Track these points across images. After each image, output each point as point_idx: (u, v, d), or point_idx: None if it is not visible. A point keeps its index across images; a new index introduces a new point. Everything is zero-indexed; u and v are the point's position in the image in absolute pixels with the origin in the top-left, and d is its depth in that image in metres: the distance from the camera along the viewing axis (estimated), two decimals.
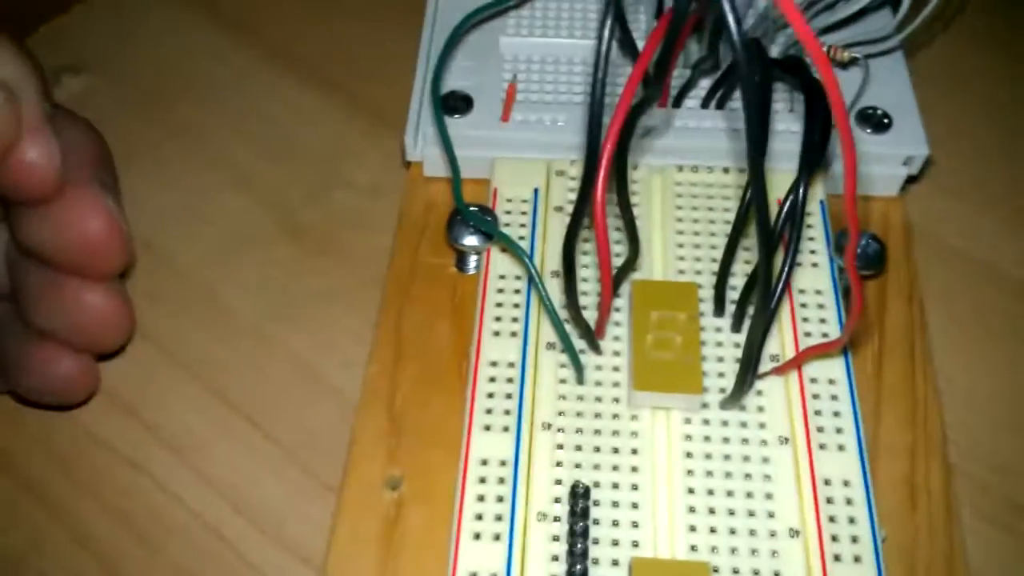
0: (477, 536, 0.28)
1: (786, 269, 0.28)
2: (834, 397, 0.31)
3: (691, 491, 0.29)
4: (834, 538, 0.29)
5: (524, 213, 0.35)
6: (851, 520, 0.29)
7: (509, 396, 0.31)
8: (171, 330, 0.36)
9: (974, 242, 0.38)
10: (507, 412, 0.31)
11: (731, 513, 0.29)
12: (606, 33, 0.24)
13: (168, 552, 0.32)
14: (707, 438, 0.30)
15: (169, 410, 0.34)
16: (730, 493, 0.29)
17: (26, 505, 0.33)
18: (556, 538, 0.28)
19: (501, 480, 0.29)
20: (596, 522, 0.29)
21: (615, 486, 0.29)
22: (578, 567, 0.28)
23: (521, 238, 0.34)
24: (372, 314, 0.35)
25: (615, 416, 0.31)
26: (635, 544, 0.28)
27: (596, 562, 0.28)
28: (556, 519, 0.29)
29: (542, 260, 0.34)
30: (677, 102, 0.37)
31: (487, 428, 0.30)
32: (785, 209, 0.28)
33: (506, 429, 0.30)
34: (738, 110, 0.37)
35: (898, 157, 0.36)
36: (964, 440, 0.33)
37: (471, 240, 0.34)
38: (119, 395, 0.35)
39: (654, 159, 0.36)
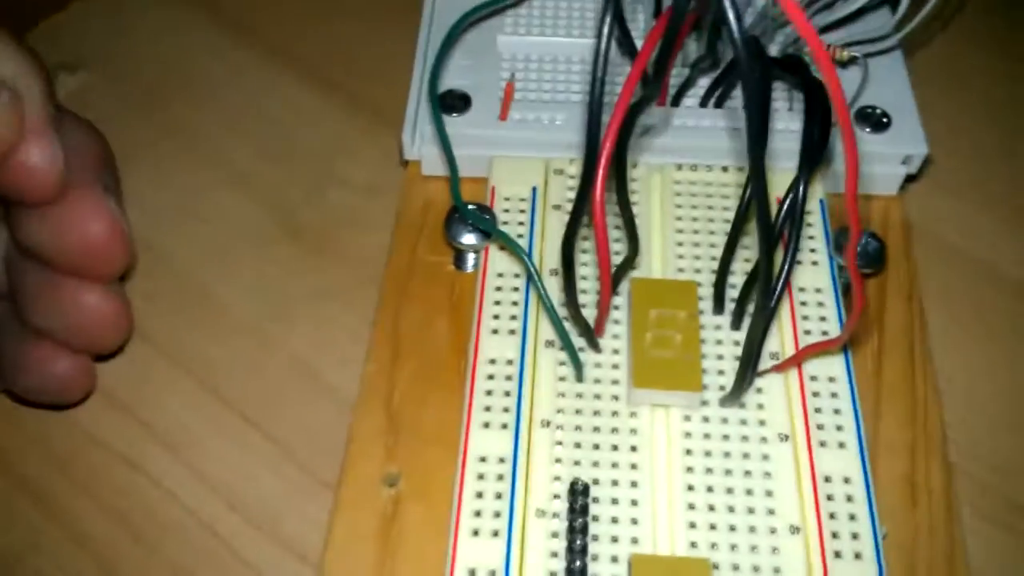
0: (476, 532, 0.28)
1: (786, 266, 0.28)
2: (834, 395, 0.31)
3: (691, 488, 0.29)
4: (834, 535, 0.28)
5: (522, 211, 0.35)
6: (851, 517, 0.29)
7: (508, 394, 0.31)
8: (167, 329, 0.36)
9: (973, 241, 0.38)
10: (506, 409, 0.31)
11: (731, 510, 0.29)
12: (605, 31, 0.24)
13: (165, 550, 0.32)
14: (707, 435, 0.30)
15: (165, 408, 0.34)
16: (730, 490, 0.29)
17: (22, 504, 0.33)
18: (555, 534, 0.28)
19: (500, 477, 0.29)
20: (595, 519, 0.29)
21: (614, 483, 0.29)
22: (577, 563, 0.28)
23: (519, 236, 0.34)
24: (369, 312, 0.34)
25: (614, 414, 0.31)
26: (634, 541, 0.28)
27: (595, 558, 0.28)
28: (555, 516, 0.29)
29: (540, 258, 0.34)
30: (676, 101, 0.37)
31: (486, 425, 0.30)
32: (785, 207, 0.28)
33: (505, 426, 0.30)
34: (737, 109, 0.37)
35: (897, 156, 0.36)
36: (964, 439, 0.33)
37: (469, 238, 0.34)
38: (115, 394, 0.35)
39: (653, 158, 0.36)
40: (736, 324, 0.32)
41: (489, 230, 0.34)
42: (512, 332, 0.32)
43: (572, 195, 0.35)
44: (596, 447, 0.30)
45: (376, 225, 0.38)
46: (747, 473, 0.30)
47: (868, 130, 0.36)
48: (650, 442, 0.30)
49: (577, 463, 0.30)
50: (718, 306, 0.33)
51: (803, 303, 0.33)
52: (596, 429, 0.30)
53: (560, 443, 0.30)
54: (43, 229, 0.30)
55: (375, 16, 0.45)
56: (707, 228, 0.35)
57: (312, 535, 0.31)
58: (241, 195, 0.40)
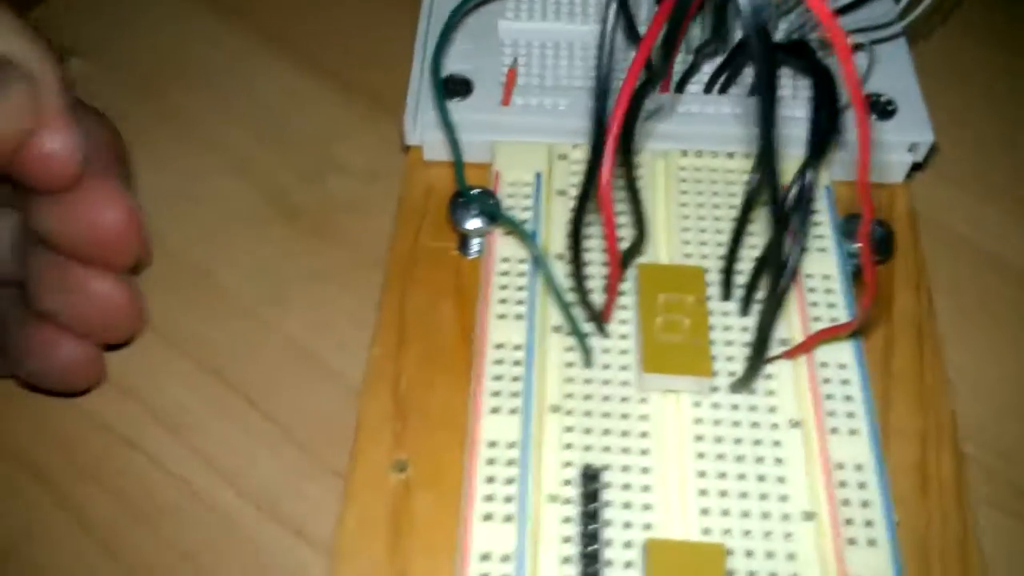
0: (488, 517, 0.28)
1: (798, 250, 0.28)
2: (845, 381, 0.31)
3: (702, 474, 0.29)
4: (848, 521, 0.28)
5: (527, 197, 0.35)
6: (864, 504, 0.29)
7: (516, 379, 0.31)
8: (166, 311, 0.36)
9: (978, 231, 0.38)
10: (515, 395, 0.30)
11: (744, 496, 0.29)
12: (611, 14, 0.24)
13: (167, 531, 0.31)
14: (717, 421, 0.30)
15: (165, 391, 0.34)
16: (742, 476, 0.29)
17: (25, 487, 0.32)
18: (568, 520, 0.28)
19: (510, 462, 0.29)
20: (608, 504, 0.28)
21: (626, 469, 0.29)
22: (590, 548, 0.27)
23: (524, 222, 0.34)
24: (369, 296, 0.34)
25: (624, 399, 0.30)
26: (647, 526, 0.28)
27: (608, 544, 0.28)
28: (567, 501, 0.28)
29: (546, 244, 0.33)
30: (680, 87, 0.37)
31: (495, 410, 0.30)
32: (794, 192, 0.28)
33: (514, 411, 0.30)
34: (741, 95, 0.37)
35: (903, 144, 0.36)
36: (970, 427, 0.33)
37: (474, 223, 0.34)
38: (116, 378, 0.34)
39: (657, 144, 0.36)
40: (744, 310, 0.32)
41: (496, 214, 0.33)
42: (519, 317, 0.32)
43: (576, 180, 0.35)
44: (607, 432, 0.30)
45: (375, 210, 0.37)
46: (759, 459, 0.29)
47: (874, 118, 0.36)
48: (660, 428, 0.30)
49: (588, 448, 0.29)
50: (726, 292, 0.32)
51: (811, 290, 0.33)
52: (606, 415, 0.30)
53: (570, 428, 0.30)
54: (58, 216, 0.30)
55: (372, 1, 0.45)
56: (712, 214, 0.35)
57: (317, 516, 0.31)
58: (240, 180, 0.39)
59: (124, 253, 0.31)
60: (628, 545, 0.28)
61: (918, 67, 0.38)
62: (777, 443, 0.30)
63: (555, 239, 0.34)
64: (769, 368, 0.31)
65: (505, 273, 0.33)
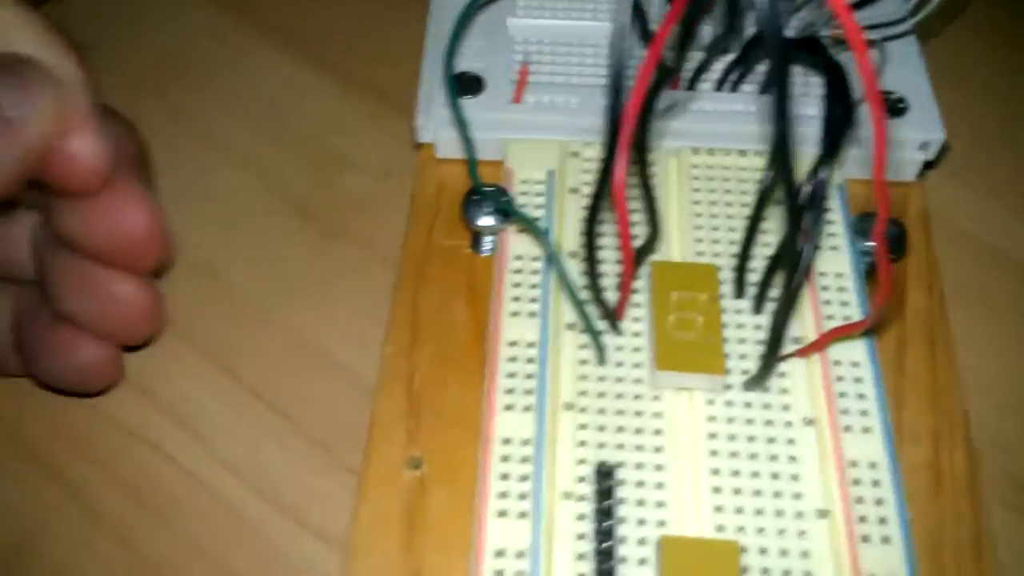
0: (503, 514, 0.28)
1: (810, 248, 0.28)
2: (858, 380, 0.31)
3: (716, 472, 0.29)
4: (862, 519, 0.28)
5: (539, 195, 0.35)
6: (878, 501, 0.29)
7: (530, 376, 0.31)
8: (181, 310, 0.36)
9: (982, 226, 0.38)
10: (528, 392, 0.30)
11: (757, 494, 0.29)
12: (625, 11, 0.24)
13: (183, 528, 0.32)
14: (731, 419, 0.30)
15: (180, 389, 0.34)
16: (756, 474, 0.29)
17: (40, 484, 0.32)
18: (582, 517, 0.28)
19: (524, 459, 0.29)
20: (622, 501, 0.28)
21: (639, 466, 0.29)
22: (604, 545, 0.27)
23: (537, 219, 0.34)
24: (382, 293, 0.34)
25: (637, 397, 0.30)
26: (661, 523, 0.28)
27: (623, 540, 0.28)
28: (581, 498, 0.28)
29: (559, 241, 0.33)
30: (691, 85, 0.37)
31: (509, 408, 0.30)
32: (808, 189, 0.28)
33: (528, 409, 0.30)
34: (753, 92, 0.37)
35: (914, 141, 0.36)
36: (975, 423, 0.33)
37: (487, 220, 0.34)
38: (131, 375, 0.34)
39: (669, 142, 0.36)
40: (758, 308, 0.32)
41: (511, 211, 0.33)
42: (532, 315, 0.32)
43: (588, 178, 0.35)
44: (620, 430, 0.30)
45: (387, 208, 0.37)
46: (773, 457, 0.29)
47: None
48: (674, 425, 0.30)
49: (602, 446, 0.29)
50: (739, 290, 0.33)
51: (824, 288, 0.33)
52: (620, 412, 0.30)
53: (584, 426, 0.30)
54: (83, 219, 0.30)
55: None
56: (725, 212, 0.35)
57: (331, 513, 0.31)
58: (251, 179, 0.39)
59: (148, 256, 0.31)
60: (642, 542, 0.28)
61: None
62: (791, 441, 0.30)
63: (568, 237, 0.34)
64: (782, 366, 0.31)
65: (518, 271, 0.33)
